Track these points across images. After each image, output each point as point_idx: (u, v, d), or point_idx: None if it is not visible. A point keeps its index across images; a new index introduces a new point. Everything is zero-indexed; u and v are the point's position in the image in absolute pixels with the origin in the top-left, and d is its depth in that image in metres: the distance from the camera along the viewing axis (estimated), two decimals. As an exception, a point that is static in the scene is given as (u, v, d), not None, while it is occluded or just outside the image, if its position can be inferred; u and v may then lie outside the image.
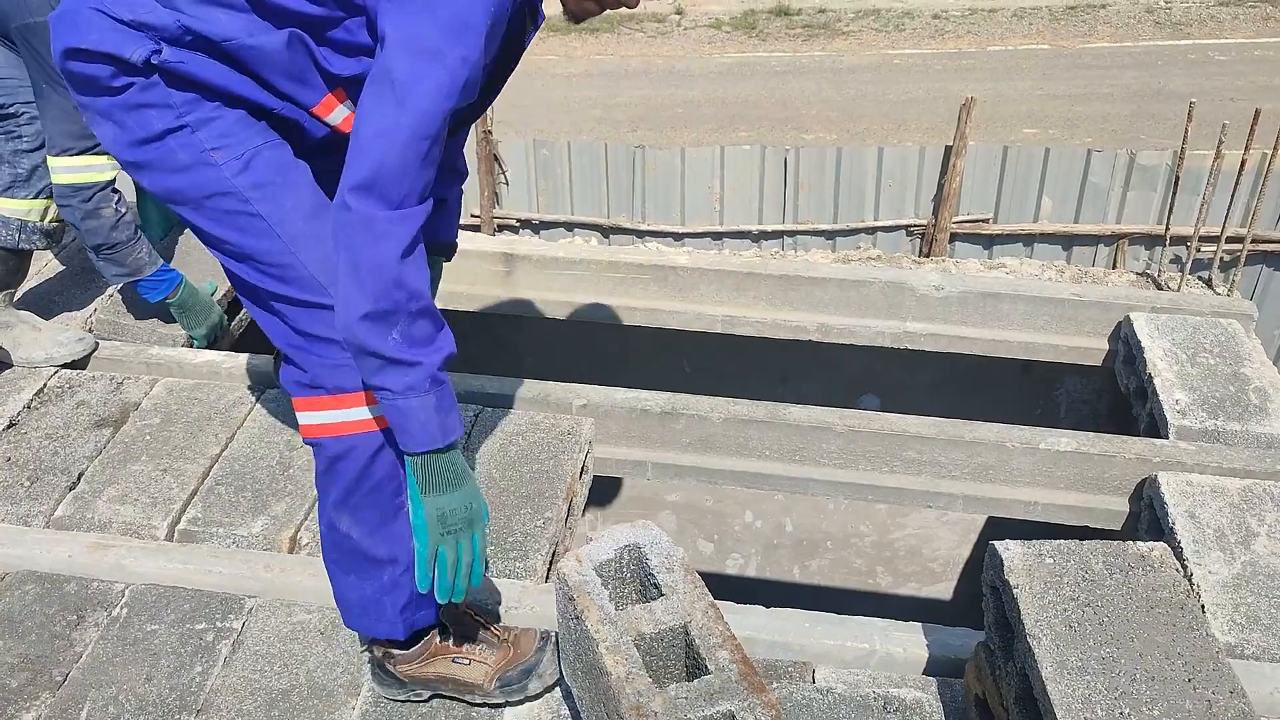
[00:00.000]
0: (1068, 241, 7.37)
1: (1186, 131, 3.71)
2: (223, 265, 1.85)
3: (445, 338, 1.70)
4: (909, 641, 2.26)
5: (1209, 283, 3.77)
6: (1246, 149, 3.60)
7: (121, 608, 2.36)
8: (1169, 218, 3.83)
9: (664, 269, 3.44)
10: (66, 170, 2.76)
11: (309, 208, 1.79)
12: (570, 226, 7.13)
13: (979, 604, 2.08)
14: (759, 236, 7.32)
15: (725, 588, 4.56)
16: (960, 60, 13.73)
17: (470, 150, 7.21)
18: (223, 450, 2.77)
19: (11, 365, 3.00)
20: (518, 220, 7.36)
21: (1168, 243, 3.85)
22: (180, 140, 1.72)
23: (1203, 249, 6.29)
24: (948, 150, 7.14)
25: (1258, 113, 3.54)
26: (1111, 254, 7.31)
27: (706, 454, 2.92)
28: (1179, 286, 3.60)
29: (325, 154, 1.85)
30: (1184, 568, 2.45)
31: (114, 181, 2.85)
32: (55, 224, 3.00)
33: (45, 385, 2.96)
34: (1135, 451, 2.77)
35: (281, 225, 1.77)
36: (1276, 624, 2.31)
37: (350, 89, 1.79)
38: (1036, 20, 14.70)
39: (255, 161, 1.75)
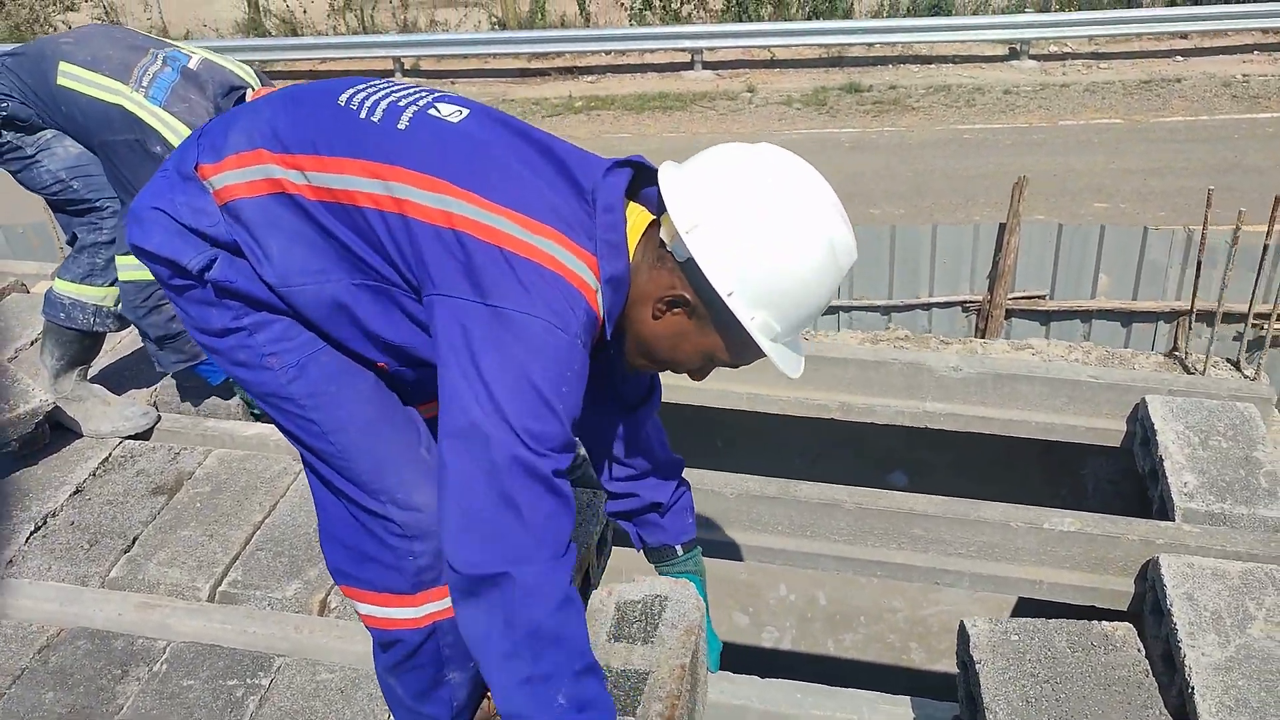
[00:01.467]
0: (1127, 319, 7.37)
1: (1207, 215, 3.78)
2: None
3: (609, 702, 1.66)
4: (895, 714, 2.34)
5: (1237, 365, 3.79)
6: (1271, 227, 3.65)
7: (162, 663, 2.55)
8: (1194, 296, 3.87)
9: (691, 349, 3.59)
10: (130, 269, 3.01)
11: (367, 417, 1.80)
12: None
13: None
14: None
15: (761, 661, 4.62)
16: (1031, 135, 13.76)
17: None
18: (265, 517, 2.97)
19: (82, 435, 3.25)
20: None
21: (1193, 321, 3.89)
22: (239, 340, 1.77)
23: (1249, 327, 6.30)
24: (1002, 227, 7.22)
25: (1278, 199, 3.60)
26: (1172, 331, 7.30)
27: (720, 528, 3.04)
28: (1204, 369, 3.64)
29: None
30: (1178, 649, 2.49)
31: None
32: None
33: (110, 455, 3.20)
34: (1139, 533, 2.83)
35: (335, 434, 1.79)
36: (1265, 707, 2.33)
37: (391, 353, 1.79)
38: (1110, 95, 14.68)
39: (310, 368, 1.77)
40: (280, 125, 1.70)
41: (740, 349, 1.68)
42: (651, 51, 15.95)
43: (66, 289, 3.13)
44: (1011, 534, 2.88)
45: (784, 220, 1.58)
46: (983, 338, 7.59)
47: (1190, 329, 6.91)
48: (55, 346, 3.19)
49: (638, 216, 1.72)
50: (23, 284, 4.16)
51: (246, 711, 2.42)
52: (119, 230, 3.08)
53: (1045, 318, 7.36)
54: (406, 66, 16.06)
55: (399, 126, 1.67)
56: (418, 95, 1.77)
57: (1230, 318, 7.07)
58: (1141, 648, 2.05)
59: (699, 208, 1.59)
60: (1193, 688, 2.40)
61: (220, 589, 2.75)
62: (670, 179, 1.64)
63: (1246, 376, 3.65)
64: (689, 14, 16.49)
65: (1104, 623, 2.08)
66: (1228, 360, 3.82)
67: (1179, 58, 15.46)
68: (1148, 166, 12.24)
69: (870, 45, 15.75)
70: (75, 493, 3.06)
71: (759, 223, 1.57)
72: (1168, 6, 15.91)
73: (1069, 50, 15.97)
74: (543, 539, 1.56)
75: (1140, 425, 3.30)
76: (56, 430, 3.26)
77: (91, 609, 2.68)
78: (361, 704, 2.43)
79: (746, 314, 1.61)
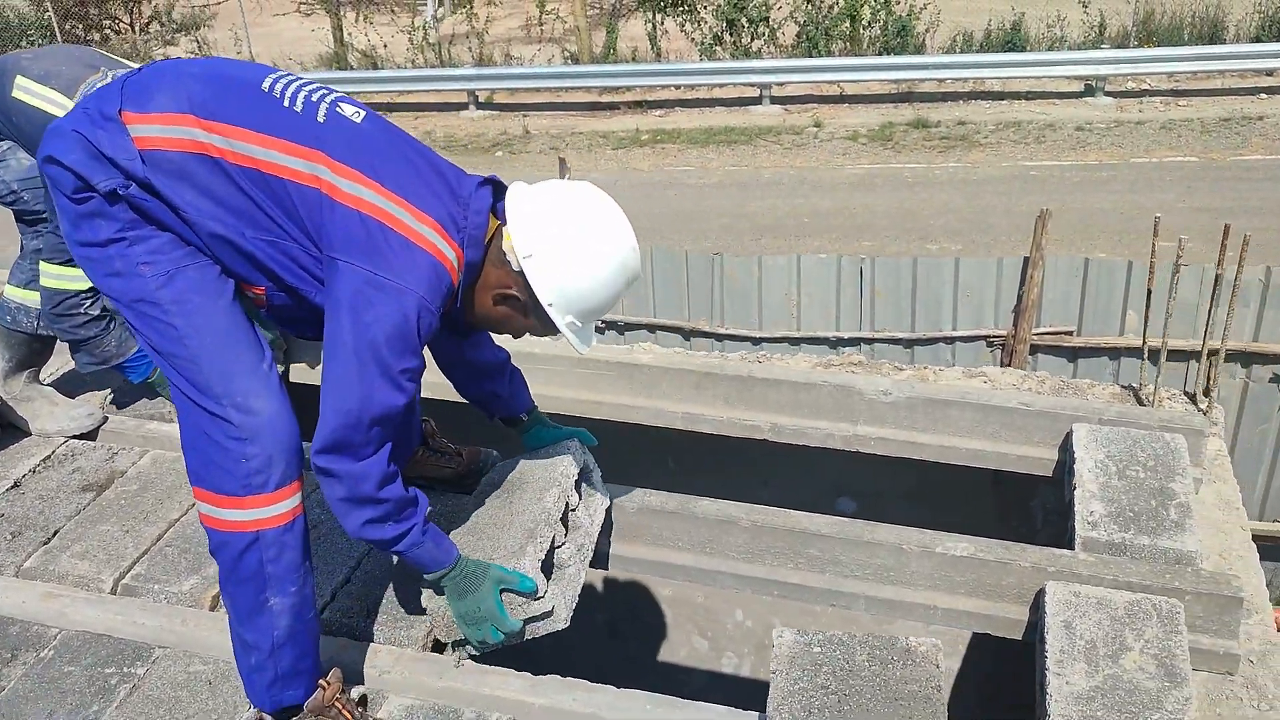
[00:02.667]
0: (1156, 356, 7.15)
1: (1155, 245, 3.69)
2: (147, 352, 2.18)
3: (421, 501, 2.24)
4: (746, 728, 2.32)
5: (1193, 398, 3.68)
6: (1220, 263, 3.56)
7: (50, 649, 2.66)
8: (1145, 329, 3.79)
9: (629, 366, 3.63)
10: (49, 276, 3.21)
11: (220, 327, 2.10)
12: (652, 329, 7.36)
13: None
14: (836, 343, 7.40)
15: (723, 688, 4.58)
16: (1100, 172, 13.46)
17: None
18: (181, 516, 3.08)
19: (30, 434, 3.42)
20: (602, 321, 7.62)
21: (1145, 355, 3.80)
22: (118, 250, 2.04)
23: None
24: (1026, 261, 7.09)
25: (1227, 227, 3.52)
26: (1206, 370, 7.06)
27: (622, 542, 3.05)
28: (1154, 401, 3.54)
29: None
30: (1044, 677, 2.43)
31: (87, 290, 3.25)
32: None
33: (53, 453, 3.36)
34: (1032, 560, 2.76)
35: (190, 338, 2.08)
36: (1120, 739, 2.26)
37: (274, 283, 2.17)
38: (1186, 132, 14.29)
39: (178, 278, 2.06)
40: (209, 98, 2.03)
41: (547, 330, 2.26)
42: (720, 86, 16.05)
43: (12, 294, 3.32)
44: (905, 557, 2.83)
45: (592, 257, 2.14)
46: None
47: (1216, 368, 6.69)
48: (5, 349, 3.37)
49: (491, 222, 2.22)
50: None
51: (116, 698, 2.51)
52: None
53: (1072, 354, 7.19)
54: (481, 99, 16.42)
55: (318, 119, 2.08)
56: (324, 91, 2.17)
57: (1265, 359, 6.85)
58: (940, 664, 2.01)
59: (534, 241, 2.13)
60: (1049, 716, 2.34)
61: (123, 581, 2.87)
62: (516, 210, 2.16)
63: (1200, 410, 3.54)
64: (759, 49, 16.53)
65: (912, 638, 2.05)
66: (1185, 393, 3.71)
67: (1263, 95, 15.00)
68: (1221, 205, 11.88)
69: (941, 80, 15.59)
70: (12, 487, 3.21)
71: (574, 259, 2.13)
72: (1254, 43, 15.45)
73: (1147, 87, 15.61)
74: (375, 442, 2.07)
75: (1069, 454, 3.23)
76: (8, 429, 3.43)
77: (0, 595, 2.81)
78: (226, 696, 2.50)
79: (559, 317, 2.19)
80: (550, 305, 2.16)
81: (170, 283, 2.05)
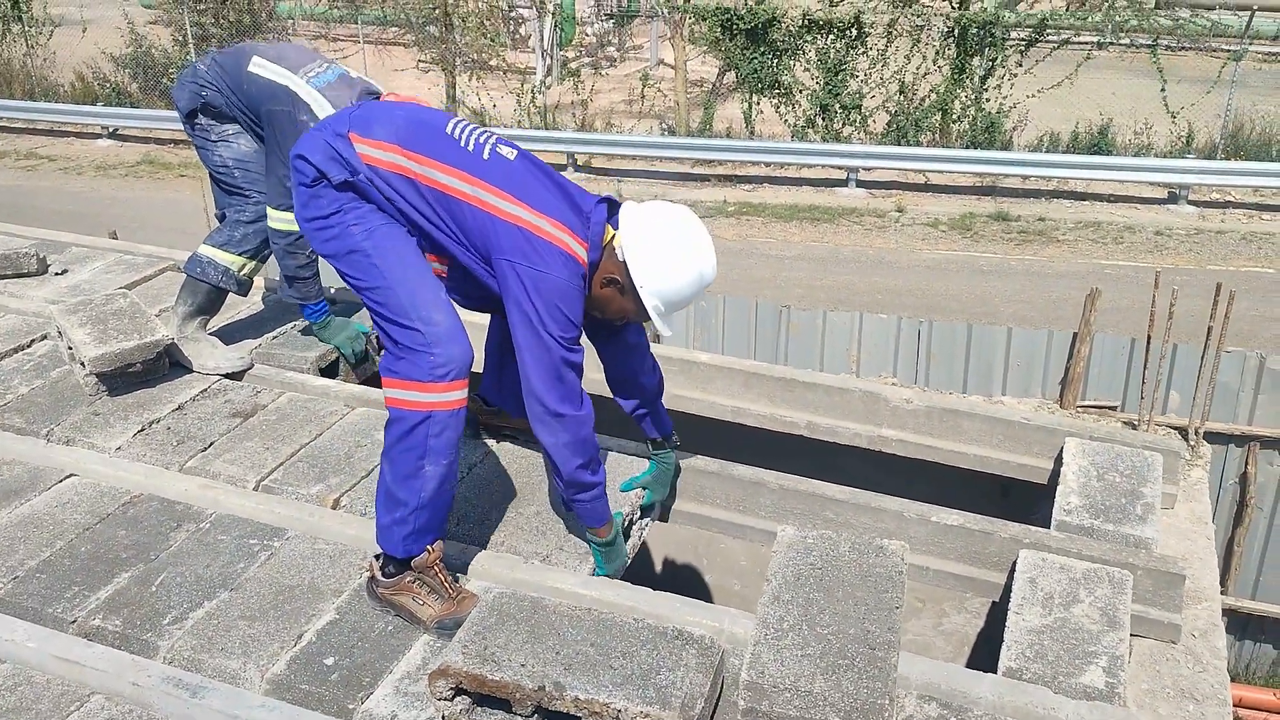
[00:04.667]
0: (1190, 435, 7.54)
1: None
2: (356, 294, 2.95)
3: (602, 468, 3.03)
4: (749, 625, 2.87)
5: (1185, 434, 4.16)
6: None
7: (206, 523, 3.33)
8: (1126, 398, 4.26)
9: (688, 363, 4.24)
10: (279, 220, 3.97)
11: (409, 263, 2.86)
12: (717, 371, 7.93)
13: None
14: (890, 399, 7.90)
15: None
16: (1174, 276, 13.66)
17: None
18: (311, 441, 3.75)
19: (192, 371, 4.13)
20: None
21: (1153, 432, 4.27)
22: (337, 219, 2.86)
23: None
24: (1074, 336, 7.56)
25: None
26: (1243, 455, 7.42)
27: (671, 497, 3.63)
28: (1148, 429, 4.03)
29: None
30: (1006, 616, 2.94)
31: None
32: (247, 278, 4.17)
33: (209, 386, 4.07)
34: (1011, 533, 3.28)
35: (387, 272, 2.84)
36: (1060, 661, 2.77)
37: (451, 261, 2.99)
38: (1267, 245, 14.56)
39: (378, 232, 2.85)
40: (409, 134, 2.84)
41: (638, 310, 2.91)
42: (809, 166, 16.75)
43: (207, 251, 4.07)
44: (905, 523, 3.37)
45: (677, 259, 2.85)
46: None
47: (1254, 454, 7.04)
48: (188, 295, 4.11)
49: (607, 230, 2.94)
50: (178, 266, 5.16)
51: (257, 560, 3.16)
52: (256, 214, 4.03)
53: (1114, 428, 7.59)
54: (579, 162, 17.30)
55: (484, 156, 2.85)
56: (489, 135, 2.94)
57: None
58: (906, 559, 2.54)
59: (636, 240, 2.85)
60: (1003, 641, 2.85)
61: (263, 483, 3.53)
62: (626, 216, 2.89)
63: (1190, 444, 4.02)
64: (849, 135, 17.24)
65: (886, 539, 2.58)
66: (1177, 430, 4.18)
67: (1351, 218, 15.23)
68: (1292, 317, 12.13)
69: (1026, 177, 16.09)
70: (177, 409, 3.92)
71: (665, 257, 2.84)
72: (1345, 162, 15.70)
73: (1231, 199, 15.93)
74: (577, 392, 2.87)
75: (1060, 463, 3.74)
76: (175, 366, 4.15)
77: (167, 483, 3.49)
78: (343, 568, 3.13)
79: (649, 299, 2.86)
80: (642, 287, 2.83)
81: (373, 235, 2.83)
